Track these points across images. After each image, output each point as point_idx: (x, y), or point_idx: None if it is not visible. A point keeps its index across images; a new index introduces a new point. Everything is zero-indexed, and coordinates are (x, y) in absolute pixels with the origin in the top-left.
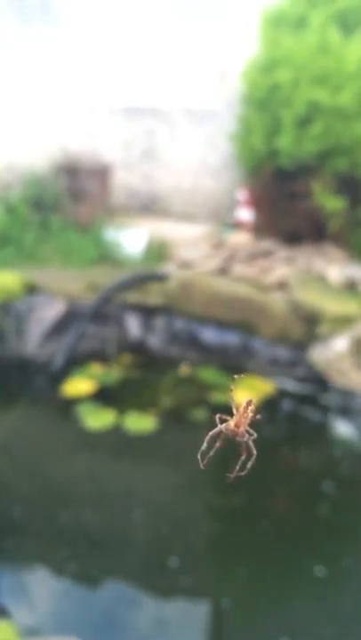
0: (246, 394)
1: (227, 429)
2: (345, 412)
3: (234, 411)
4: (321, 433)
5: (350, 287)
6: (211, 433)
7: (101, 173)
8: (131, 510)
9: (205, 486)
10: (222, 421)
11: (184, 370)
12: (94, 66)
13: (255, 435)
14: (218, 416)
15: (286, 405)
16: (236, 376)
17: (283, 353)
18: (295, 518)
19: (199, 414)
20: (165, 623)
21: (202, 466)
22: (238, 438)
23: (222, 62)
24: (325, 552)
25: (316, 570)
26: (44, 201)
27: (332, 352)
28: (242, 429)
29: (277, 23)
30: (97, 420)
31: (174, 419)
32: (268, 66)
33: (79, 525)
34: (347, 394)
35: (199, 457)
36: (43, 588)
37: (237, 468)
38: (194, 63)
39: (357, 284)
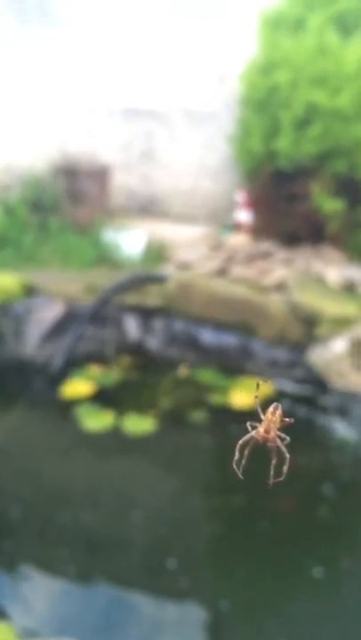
0: (244, 395)
1: (257, 435)
2: (344, 413)
3: (262, 417)
4: (320, 434)
5: (349, 288)
6: (240, 441)
7: (100, 175)
8: (129, 512)
9: (204, 487)
10: (253, 428)
11: (183, 371)
12: (93, 67)
13: (288, 438)
14: (248, 423)
15: (285, 406)
16: (260, 382)
17: (282, 354)
18: (294, 519)
19: (198, 415)
20: (164, 625)
21: (240, 475)
22: (270, 444)
23: (221, 64)
24: (324, 553)
25: (315, 571)
26: (43, 202)
27: (331, 353)
28: (272, 434)
29: (276, 25)
30: (96, 421)
31: (173, 420)
32: (266, 67)
33: (78, 527)
34: (346, 395)
35: (234, 466)
36: (41, 589)
37: (272, 473)
38: (193, 65)
39: (356, 285)
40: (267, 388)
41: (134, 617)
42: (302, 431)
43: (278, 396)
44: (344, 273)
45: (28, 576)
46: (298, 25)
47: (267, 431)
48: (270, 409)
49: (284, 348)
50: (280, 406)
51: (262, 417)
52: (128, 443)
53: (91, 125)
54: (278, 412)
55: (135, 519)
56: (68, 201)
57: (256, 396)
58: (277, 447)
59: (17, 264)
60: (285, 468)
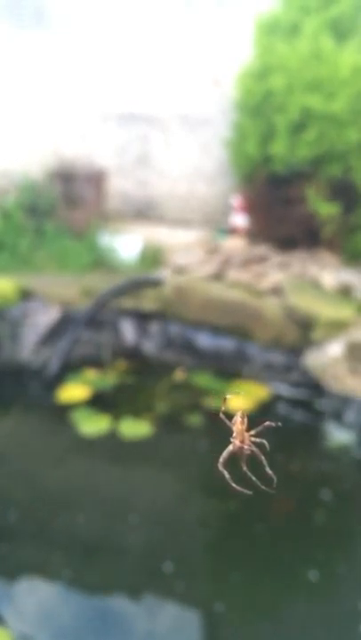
0: (241, 399)
1: (234, 448)
2: (340, 416)
3: (233, 428)
4: (316, 438)
5: (344, 292)
6: (221, 460)
7: (96, 179)
8: (126, 516)
9: (200, 491)
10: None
11: (179, 375)
12: (89, 71)
13: (265, 441)
14: (232, 439)
15: (281, 410)
16: (227, 396)
17: (277, 358)
18: (290, 523)
19: (194, 419)
20: (160, 629)
21: (246, 491)
22: (247, 451)
23: (216, 68)
24: (319, 557)
25: (310, 574)
26: (39, 207)
27: (326, 357)
28: (247, 441)
29: (271, 30)
30: (92, 425)
31: (169, 424)
32: (262, 72)
33: (74, 531)
34: (341, 399)
35: (235, 486)
36: (38, 594)
37: (254, 478)
38: (188, 69)
39: (351, 289)
40: (261, 391)
41: (130, 621)
42: (298, 435)
43: (274, 400)
44: (339, 277)
45: (25, 581)
46: (293, 30)
47: (242, 441)
48: (238, 419)
49: (280, 352)
50: (245, 413)
51: (233, 429)
52: (124, 447)
53: (86, 130)
54: (245, 419)
55: (132, 523)
56: (64, 205)
57: (222, 410)
58: (251, 452)
59: (13, 268)
60: (268, 470)
